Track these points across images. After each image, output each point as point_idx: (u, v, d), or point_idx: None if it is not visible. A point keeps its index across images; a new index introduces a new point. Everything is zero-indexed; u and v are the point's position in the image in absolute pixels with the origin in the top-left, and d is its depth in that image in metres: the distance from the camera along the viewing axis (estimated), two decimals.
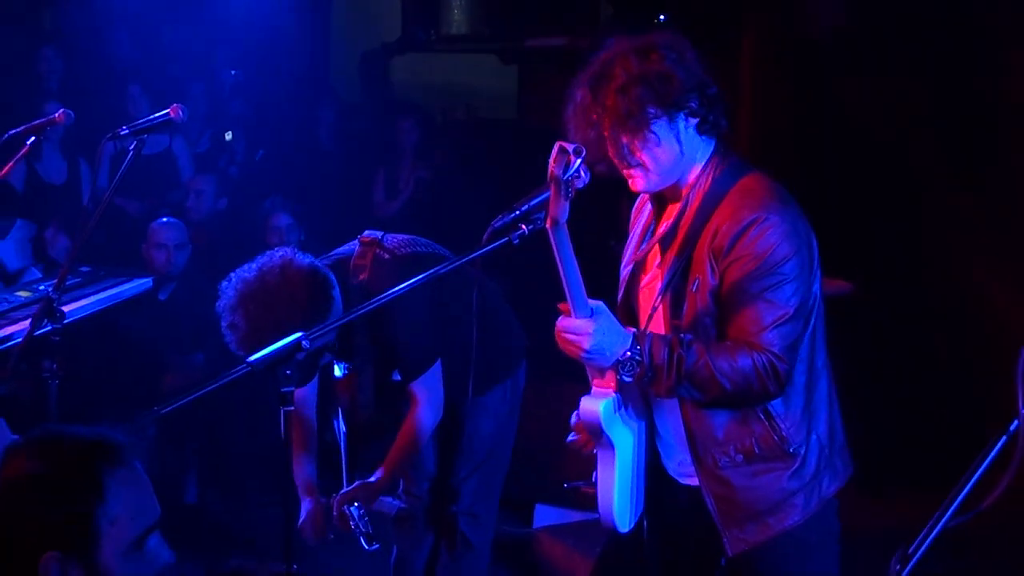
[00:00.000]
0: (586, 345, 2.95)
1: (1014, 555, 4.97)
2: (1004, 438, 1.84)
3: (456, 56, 9.62)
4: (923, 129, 6.54)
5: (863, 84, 6.69)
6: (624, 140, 3.03)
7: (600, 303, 3.00)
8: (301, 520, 4.19)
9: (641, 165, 3.07)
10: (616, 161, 3.08)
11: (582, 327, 2.95)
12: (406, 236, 4.20)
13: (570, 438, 3.21)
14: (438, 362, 4.10)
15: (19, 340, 4.35)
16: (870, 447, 3.81)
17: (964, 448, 1.95)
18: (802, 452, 3.09)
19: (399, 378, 4.12)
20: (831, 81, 6.87)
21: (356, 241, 4.14)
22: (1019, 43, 6.17)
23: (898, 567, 1.76)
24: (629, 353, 2.96)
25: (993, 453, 1.83)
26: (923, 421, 6.39)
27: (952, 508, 1.78)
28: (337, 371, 4.26)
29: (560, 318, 2.99)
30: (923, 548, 1.76)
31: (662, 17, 7.50)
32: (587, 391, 3.12)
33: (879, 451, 5.21)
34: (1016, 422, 1.81)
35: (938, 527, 1.78)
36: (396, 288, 3.06)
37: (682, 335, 3.00)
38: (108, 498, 2.07)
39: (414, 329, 4.04)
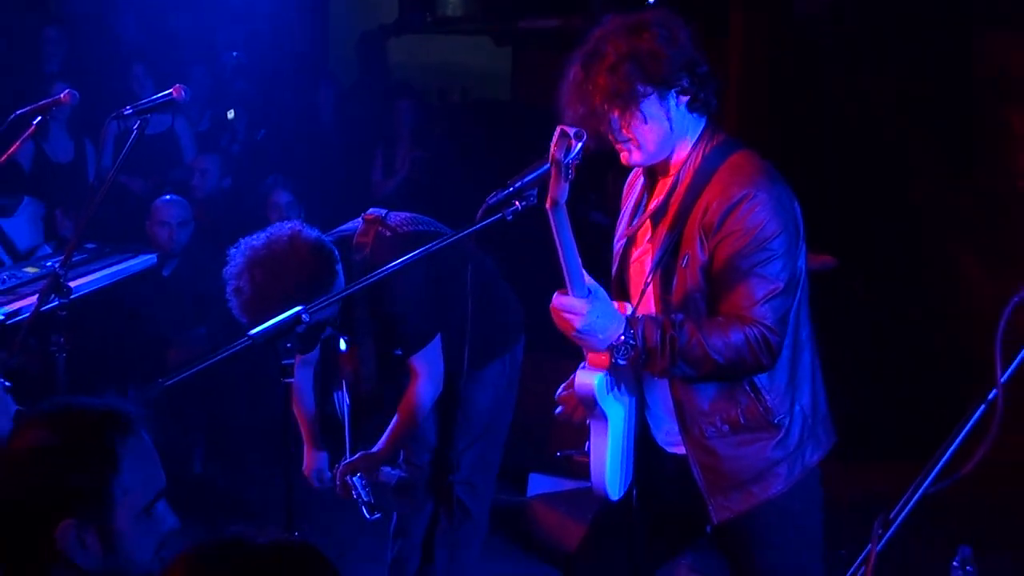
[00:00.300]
0: (578, 324, 2.92)
1: (991, 522, 4.99)
2: (983, 407, 1.85)
3: (451, 38, 9.60)
4: (896, 107, 6.56)
5: (852, 69, 6.70)
6: (614, 116, 3.02)
7: (597, 285, 2.99)
8: (305, 465, 4.34)
9: (631, 140, 3.05)
10: (607, 136, 3.06)
11: (577, 306, 2.93)
12: (409, 215, 4.19)
13: (558, 410, 3.21)
14: (437, 337, 4.10)
15: (27, 315, 4.35)
16: (854, 417, 3.83)
17: (944, 419, 1.95)
18: (786, 423, 3.08)
19: (400, 352, 4.13)
20: (820, 65, 6.87)
21: (360, 218, 4.14)
22: (990, 23, 6.18)
23: (880, 531, 1.77)
24: (623, 337, 2.95)
25: (972, 422, 1.83)
26: (904, 393, 6.42)
27: (932, 475, 1.79)
28: (341, 345, 4.27)
29: (556, 294, 2.98)
30: (904, 513, 1.77)
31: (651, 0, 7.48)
32: (581, 364, 3.11)
33: (862, 421, 5.23)
34: (994, 391, 1.82)
35: (919, 493, 1.79)
36: (393, 263, 3.07)
37: (673, 316, 2.99)
38: (121, 467, 2.08)
39: (413, 304, 4.04)
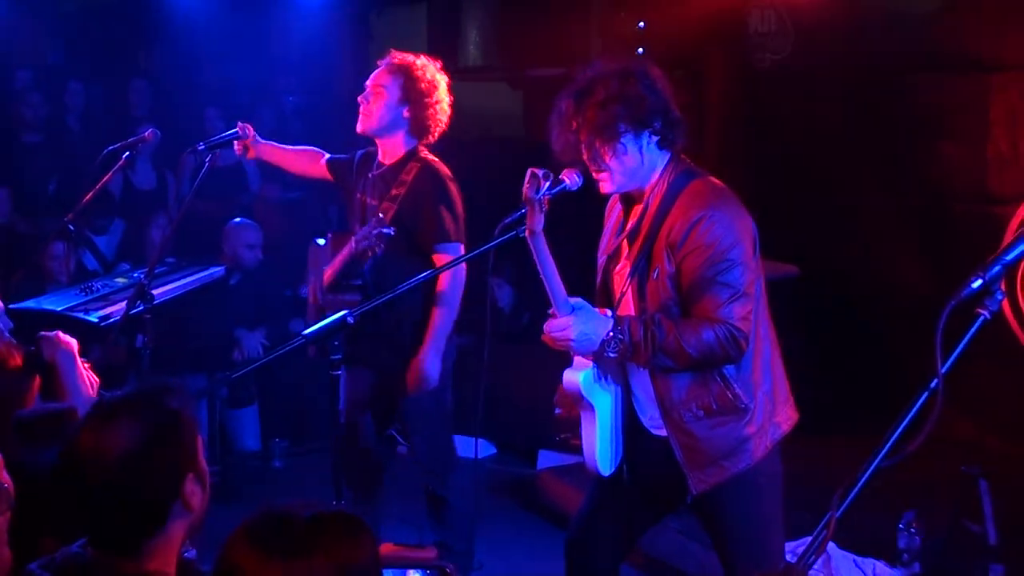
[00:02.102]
0: (572, 335, 2.97)
1: (931, 491, 4.95)
2: (925, 394, 1.83)
3: (473, 84, 9.58)
4: (845, 139, 6.56)
5: (801, 105, 6.71)
6: (597, 146, 3.03)
7: (579, 299, 3.03)
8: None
9: (609, 170, 3.06)
10: (588, 162, 3.08)
11: (564, 324, 2.98)
12: None
13: (557, 411, 3.23)
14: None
15: (118, 318, 4.35)
16: (814, 401, 3.80)
17: (891, 402, 1.93)
18: (751, 407, 3.07)
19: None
20: (777, 103, 6.89)
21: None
22: (918, 67, 6.17)
23: (839, 499, 1.75)
24: (612, 334, 2.97)
25: (916, 406, 1.81)
26: (858, 379, 6.38)
27: (884, 450, 1.77)
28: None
29: (546, 323, 3.01)
30: (860, 484, 1.75)
31: (640, 51, 7.47)
32: (570, 363, 3.13)
33: (822, 404, 5.20)
34: (935, 380, 1.80)
35: (872, 466, 1.77)
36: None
37: (654, 315, 2.99)
38: (195, 421, 2.10)
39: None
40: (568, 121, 3.06)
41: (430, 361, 4.17)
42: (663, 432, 3.12)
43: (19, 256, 6.63)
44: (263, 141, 4.67)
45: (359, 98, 4.29)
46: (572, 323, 2.97)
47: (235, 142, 4.54)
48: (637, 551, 4.56)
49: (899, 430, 1.77)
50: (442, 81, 4.29)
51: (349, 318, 2.95)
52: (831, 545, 4.44)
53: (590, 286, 3.27)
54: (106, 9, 9.02)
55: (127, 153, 4.45)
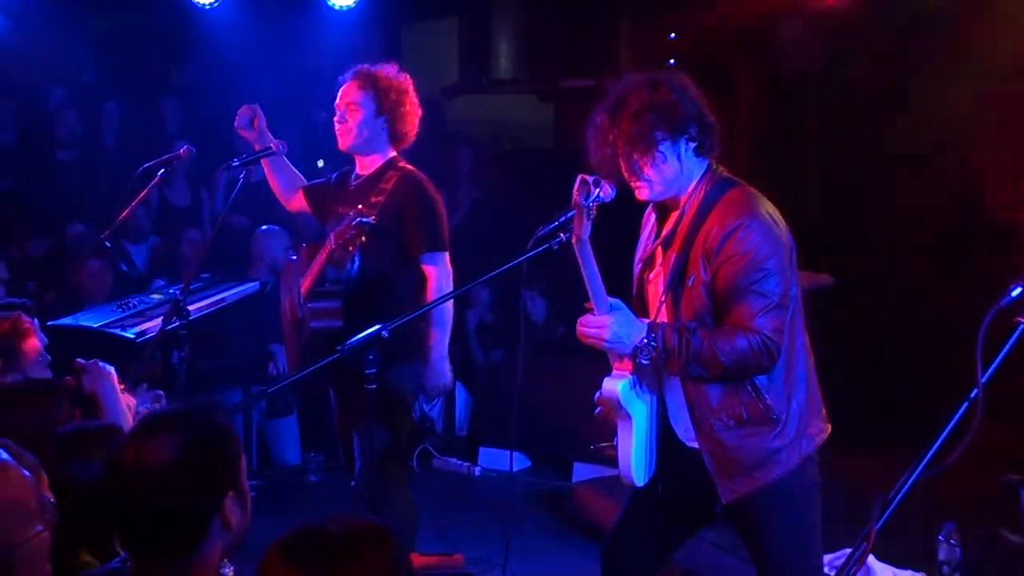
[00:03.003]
0: (607, 335, 2.99)
1: (971, 502, 4.90)
2: (965, 404, 1.81)
3: (503, 96, 9.61)
4: (876, 146, 6.53)
5: (827, 111, 6.70)
6: (635, 157, 3.04)
7: (618, 300, 3.03)
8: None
9: (648, 180, 3.07)
10: (626, 175, 3.08)
11: (601, 322, 2.99)
12: None
13: (597, 411, 3.22)
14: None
15: (154, 334, 4.38)
16: (851, 412, 3.77)
17: (930, 413, 1.92)
18: (784, 417, 3.05)
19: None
20: (803, 109, 6.88)
21: None
22: (948, 74, 6.13)
23: (879, 511, 1.73)
24: (646, 340, 2.97)
25: (957, 416, 1.80)
26: (894, 390, 6.33)
27: (924, 462, 1.76)
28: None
29: (581, 317, 3.02)
30: (900, 495, 1.74)
31: (672, 62, 7.47)
32: (609, 372, 3.12)
33: (859, 416, 5.16)
34: (975, 391, 1.78)
35: (913, 477, 1.76)
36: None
37: (688, 323, 2.99)
38: (238, 440, 2.11)
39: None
40: (604, 135, 3.07)
41: (439, 367, 4.15)
42: (696, 443, 3.10)
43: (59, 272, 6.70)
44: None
45: (335, 119, 4.30)
46: (609, 323, 2.98)
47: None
48: (672, 564, 4.54)
49: (940, 440, 1.75)
50: (409, 84, 4.30)
51: (384, 332, 2.97)
52: (870, 557, 4.40)
53: (626, 294, 3.26)
54: (137, 27, 9.12)
55: (162, 170, 4.48)
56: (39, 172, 7.63)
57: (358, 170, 4.35)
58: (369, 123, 4.23)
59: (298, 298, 4.25)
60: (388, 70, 4.28)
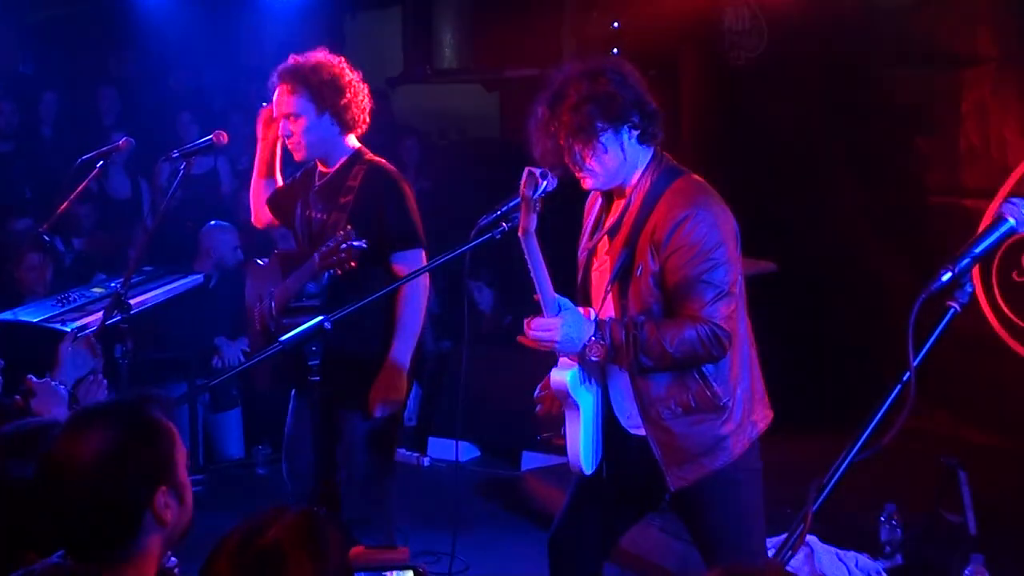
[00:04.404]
0: (557, 337, 2.99)
1: (905, 482, 4.99)
2: (898, 386, 1.85)
3: (448, 86, 9.60)
4: (820, 134, 6.61)
5: (772, 100, 6.76)
6: (577, 148, 3.04)
7: (565, 299, 3.04)
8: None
9: (591, 169, 3.07)
10: (570, 165, 3.09)
11: (551, 324, 3.00)
12: None
13: (538, 408, 3.23)
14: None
15: (95, 328, 4.33)
16: (791, 396, 3.83)
17: (868, 396, 1.96)
18: (730, 405, 3.09)
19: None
20: (752, 100, 6.94)
21: None
22: (891, 62, 6.23)
23: (815, 494, 1.77)
24: (594, 338, 2.98)
25: (890, 399, 1.84)
26: (835, 374, 6.43)
27: (858, 444, 1.80)
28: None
29: (528, 320, 3.02)
30: (835, 478, 1.78)
31: (615, 51, 7.50)
32: (555, 362, 3.13)
33: (799, 399, 5.24)
34: (907, 374, 1.82)
35: (847, 460, 1.80)
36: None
37: (635, 317, 3.01)
38: (175, 434, 2.09)
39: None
40: (545, 127, 3.07)
41: (395, 378, 3.84)
42: (641, 431, 3.13)
43: None
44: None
45: (280, 133, 3.99)
46: (558, 325, 2.98)
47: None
48: (619, 549, 4.58)
49: (872, 423, 1.80)
50: (342, 68, 3.94)
51: (327, 323, 2.97)
52: (814, 539, 4.48)
53: (569, 284, 3.28)
54: (74, 17, 8.99)
55: (101, 162, 4.43)
56: None
57: (320, 167, 4.06)
58: (315, 126, 3.91)
59: (269, 310, 3.97)
60: (314, 59, 3.93)
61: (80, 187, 4.45)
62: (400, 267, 3.87)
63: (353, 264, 3.65)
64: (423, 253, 3.91)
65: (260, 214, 4.29)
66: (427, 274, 3.81)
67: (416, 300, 3.87)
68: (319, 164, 4.05)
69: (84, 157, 4.42)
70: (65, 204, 4.41)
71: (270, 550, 1.76)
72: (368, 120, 4.03)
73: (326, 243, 3.70)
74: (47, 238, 4.62)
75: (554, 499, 5.31)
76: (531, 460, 6.26)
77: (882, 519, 4.54)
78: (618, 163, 3.07)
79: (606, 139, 3.03)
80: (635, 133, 3.06)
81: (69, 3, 8.97)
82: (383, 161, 4.01)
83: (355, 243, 3.64)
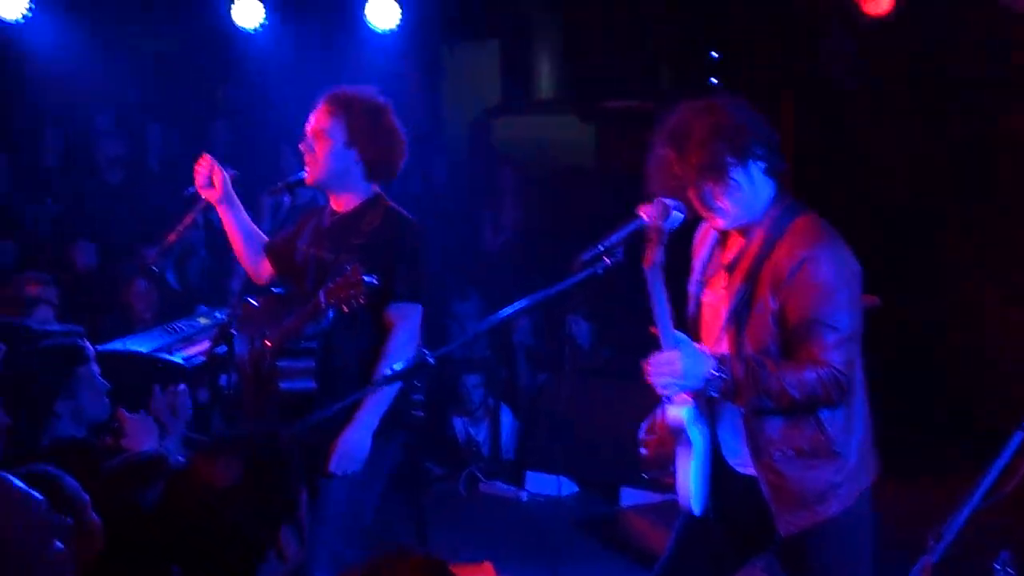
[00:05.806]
0: (679, 371, 2.92)
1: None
2: (1020, 433, 1.79)
3: (545, 117, 9.66)
4: (928, 163, 6.47)
5: (877, 127, 6.65)
6: (707, 188, 2.97)
7: (684, 336, 2.99)
8: None
9: (721, 208, 3.01)
10: (698, 206, 3.02)
11: (671, 358, 2.93)
12: None
13: (642, 451, 3.17)
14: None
15: (202, 358, 4.41)
16: (901, 441, 3.73)
17: (981, 441, 1.89)
18: (845, 451, 3.02)
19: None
20: (854, 124, 6.83)
21: None
22: (1013, 91, 6.07)
23: (934, 543, 1.72)
24: (716, 372, 2.92)
25: (1014, 445, 1.78)
26: (941, 416, 6.26)
27: (980, 492, 1.74)
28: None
29: (648, 358, 2.96)
30: (956, 527, 1.72)
31: (713, 80, 7.46)
32: (667, 400, 3.07)
33: (909, 444, 5.11)
34: None
35: (967, 509, 1.74)
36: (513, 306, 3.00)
37: (754, 355, 2.96)
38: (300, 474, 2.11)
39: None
40: (671, 167, 2.99)
41: (359, 435, 3.60)
42: (750, 471, 3.08)
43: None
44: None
45: (301, 146, 3.85)
46: (678, 358, 2.92)
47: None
48: None
49: (996, 470, 1.74)
50: (387, 110, 3.83)
51: (430, 359, 2.97)
52: None
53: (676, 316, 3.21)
54: (182, 50, 9.26)
55: None
56: (86, 195, 7.75)
57: (332, 206, 3.89)
58: (339, 155, 3.76)
59: (261, 351, 3.78)
60: (365, 95, 3.81)
61: (187, 219, 4.54)
62: (394, 318, 3.68)
63: (363, 301, 3.46)
64: (420, 310, 3.73)
65: (260, 269, 4.15)
66: (417, 336, 3.68)
67: (403, 357, 3.48)
68: (331, 202, 3.91)
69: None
70: (173, 235, 4.50)
71: None
72: (395, 174, 3.89)
73: (332, 279, 3.54)
74: (155, 269, 4.71)
75: (653, 536, 5.26)
76: (630, 496, 6.20)
77: (996, 566, 4.37)
78: (749, 199, 3.00)
79: (737, 175, 2.97)
80: (761, 165, 3.00)
81: (178, 37, 9.24)
82: (400, 209, 3.86)
83: (366, 278, 3.46)
